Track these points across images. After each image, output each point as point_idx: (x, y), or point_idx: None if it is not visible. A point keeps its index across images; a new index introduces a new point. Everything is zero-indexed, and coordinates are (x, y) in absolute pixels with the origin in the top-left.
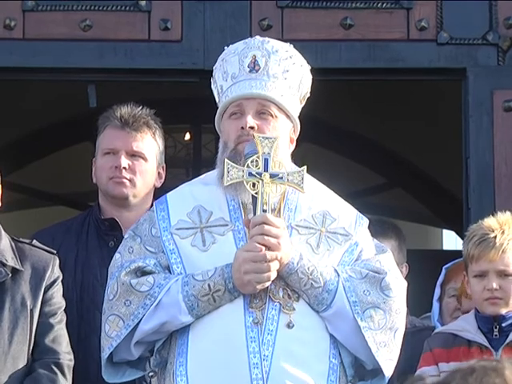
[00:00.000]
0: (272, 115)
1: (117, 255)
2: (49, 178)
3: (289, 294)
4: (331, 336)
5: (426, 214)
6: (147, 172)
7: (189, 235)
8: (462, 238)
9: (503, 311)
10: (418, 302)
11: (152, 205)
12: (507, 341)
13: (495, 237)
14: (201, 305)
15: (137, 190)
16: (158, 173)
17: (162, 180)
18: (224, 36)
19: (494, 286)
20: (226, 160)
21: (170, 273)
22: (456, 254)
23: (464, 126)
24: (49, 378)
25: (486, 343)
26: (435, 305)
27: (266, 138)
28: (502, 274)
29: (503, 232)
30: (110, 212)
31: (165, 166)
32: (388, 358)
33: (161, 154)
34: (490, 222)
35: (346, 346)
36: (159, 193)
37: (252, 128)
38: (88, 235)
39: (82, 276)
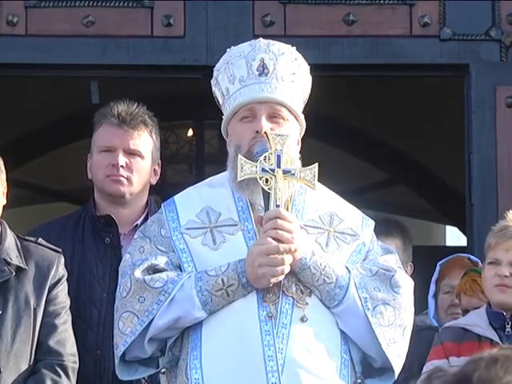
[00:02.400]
0: (283, 118)
1: (127, 255)
2: (51, 174)
3: (301, 289)
4: (342, 332)
5: (428, 210)
6: (144, 170)
7: (199, 235)
8: (465, 234)
9: (509, 300)
10: (420, 298)
11: (147, 202)
12: None
13: None
14: (214, 300)
15: (133, 187)
16: (154, 170)
17: (158, 177)
18: (227, 32)
19: (506, 272)
20: (239, 156)
21: (182, 272)
22: (458, 250)
23: (467, 122)
24: (52, 380)
25: (497, 339)
26: (431, 301)
27: (279, 135)
28: None
29: None
30: (106, 209)
31: (160, 162)
32: (397, 355)
33: (157, 151)
34: None
35: (356, 343)
36: (163, 188)
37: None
38: (84, 232)
39: (78, 273)
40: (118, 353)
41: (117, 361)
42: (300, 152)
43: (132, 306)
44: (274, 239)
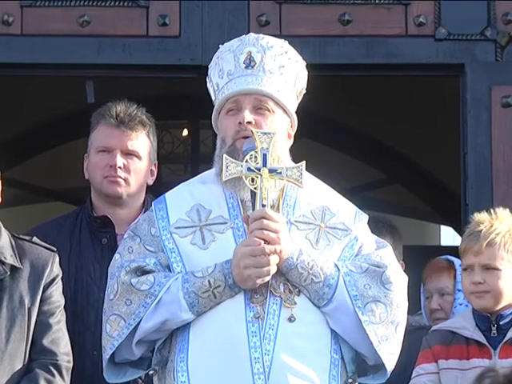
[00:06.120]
0: (269, 110)
1: (116, 255)
2: (47, 173)
3: (290, 289)
4: (332, 331)
5: (424, 209)
6: (141, 170)
7: (188, 234)
8: (460, 234)
9: (489, 304)
10: (413, 298)
11: (144, 202)
12: (505, 339)
13: (481, 230)
14: (201, 301)
15: (131, 188)
16: (151, 170)
17: (154, 177)
18: (222, 31)
19: (478, 279)
20: (224, 155)
21: (171, 272)
22: (453, 250)
23: (462, 122)
24: (46, 379)
25: (484, 341)
26: (423, 303)
27: (265, 133)
28: (487, 268)
29: (491, 226)
30: (103, 209)
31: (157, 163)
32: (390, 352)
33: (154, 152)
34: (481, 216)
35: (348, 341)
36: (158, 188)
37: (249, 123)
38: (81, 232)
39: (75, 273)
40: (106, 356)
41: (105, 364)
42: (293, 150)
43: (119, 309)
44: (259, 239)
